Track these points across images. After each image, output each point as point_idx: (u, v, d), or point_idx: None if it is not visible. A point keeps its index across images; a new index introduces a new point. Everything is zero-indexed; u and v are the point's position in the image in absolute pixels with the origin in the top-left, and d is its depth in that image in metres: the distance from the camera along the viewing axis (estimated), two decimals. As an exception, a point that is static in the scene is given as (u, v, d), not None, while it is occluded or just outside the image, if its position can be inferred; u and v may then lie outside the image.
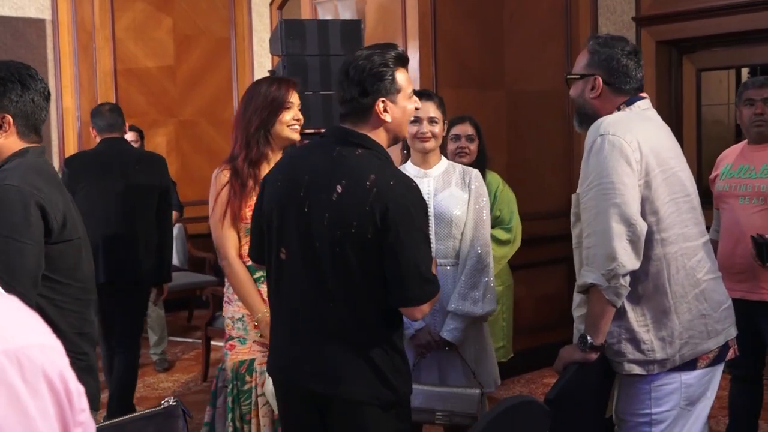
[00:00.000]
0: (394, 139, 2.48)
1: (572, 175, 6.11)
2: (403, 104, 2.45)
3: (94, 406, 2.61)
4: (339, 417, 2.40)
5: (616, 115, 2.63)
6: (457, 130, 4.24)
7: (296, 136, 3.19)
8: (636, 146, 2.49)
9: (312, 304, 2.37)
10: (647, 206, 2.51)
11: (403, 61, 2.46)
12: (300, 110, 3.20)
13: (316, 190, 2.35)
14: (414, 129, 3.44)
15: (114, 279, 4.58)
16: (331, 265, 2.32)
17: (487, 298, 3.43)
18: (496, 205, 4.30)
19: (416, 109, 2.52)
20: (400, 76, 2.44)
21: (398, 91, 2.43)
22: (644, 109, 2.70)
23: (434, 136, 3.44)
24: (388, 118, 2.41)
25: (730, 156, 4.02)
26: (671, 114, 5.85)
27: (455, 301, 3.38)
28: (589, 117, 2.71)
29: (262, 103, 3.12)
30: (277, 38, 4.83)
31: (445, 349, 3.40)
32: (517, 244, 4.37)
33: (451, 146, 4.22)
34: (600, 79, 2.68)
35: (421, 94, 3.48)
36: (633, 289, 2.53)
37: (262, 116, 3.11)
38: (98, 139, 4.80)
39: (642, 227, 2.45)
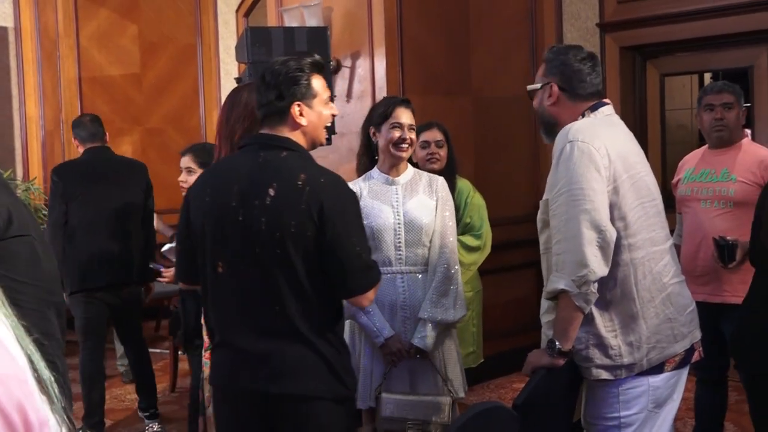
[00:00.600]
0: (312, 144, 2.55)
1: (539, 180, 6.16)
2: (319, 109, 2.53)
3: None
4: (292, 416, 2.43)
5: (583, 121, 2.66)
6: (425, 136, 4.24)
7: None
8: (604, 152, 2.52)
9: (257, 310, 2.41)
10: (615, 212, 2.53)
11: (319, 67, 2.54)
12: None
13: (248, 197, 2.39)
14: (395, 134, 3.44)
15: (114, 281, 4.90)
16: (274, 269, 2.36)
17: (458, 304, 3.45)
18: (467, 211, 4.30)
19: (333, 115, 2.60)
20: (316, 82, 2.52)
21: (314, 96, 2.51)
22: (608, 114, 2.74)
23: (412, 143, 3.46)
24: (303, 121, 2.49)
25: (691, 160, 4.08)
26: (636, 119, 5.92)
27: (427, 309, 3.39)
28: (551, 125, 2.74)
29: (244, 111, 3.09)
30: (243, 45, 4.83)
31: (416, 357, 3.41)
32: (487, 250, 4.39)
33: (421, 153, 4.22)
34: (555, 86, 2.71)
35: (401, 101, 3.50)
36: (601, 295, 2.56)
37: (245, 125, 3.08)
38: (81, 149, 5.04)
39: (612, 234, 2.48)
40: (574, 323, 2.52)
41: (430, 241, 3.44)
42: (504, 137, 5.99)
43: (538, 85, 2.77)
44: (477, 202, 4.38)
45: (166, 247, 3.87)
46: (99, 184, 4.91)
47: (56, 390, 1.00)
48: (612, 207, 2.52)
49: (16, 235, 2.52)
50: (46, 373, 0.99)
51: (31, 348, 0.99)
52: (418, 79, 5.50)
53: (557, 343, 2.53)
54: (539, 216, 2.71)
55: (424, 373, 3.46)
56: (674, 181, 4.13)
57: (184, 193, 3.76)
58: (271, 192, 2.36)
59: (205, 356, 3.23)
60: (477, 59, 5.85)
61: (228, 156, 2.73)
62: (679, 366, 2.68)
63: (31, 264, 2.56)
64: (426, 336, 3.39)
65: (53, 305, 2.66)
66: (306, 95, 2.49)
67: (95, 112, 6.66)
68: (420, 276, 3.45)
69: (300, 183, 2.36)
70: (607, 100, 2.77)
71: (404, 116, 3.44)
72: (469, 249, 4.26)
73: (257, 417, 2.47)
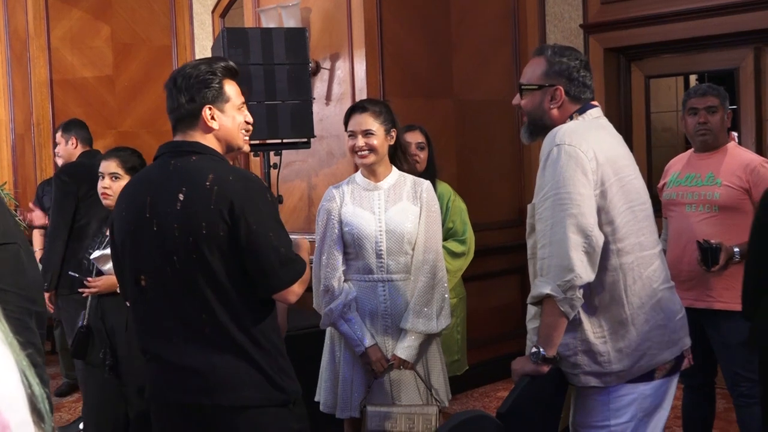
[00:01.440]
0: (228, 148, 2.56)
1: (522, 183, 6.18)
2: (232, 114, 2.54)
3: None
4: (229, 426, 2.42)
5: (571, 124, 2.66)
6: (407, 138, 4.24)
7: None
8: (592, 156, 2.52)
9: (184, 319, 2.40)
10: (603, 216, 2.54)
11: (232, 72, 2.56)
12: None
13: (160, 205, 2.41)
14: (350, 143, 3.44)
15: None
16: (195, 274, 2.36)
17: (443, 313, 3.44)
18: (449, 216, 4.31)
19: (246, 122, 2.59)
20: (229, 87, 2.53)
21: (226, 100, 2.52)
22: (596, 117, 2.74)
23: (372, 149, 3.42)
24: (215, 125, 2.49)
25: (677, 164, 4.10)
26: (621, 121, 5.95)
27: (409, 319, 3.39)
28: (545, 128, 2.72)
29: None
30: (220, 47, 4.82)
31: (399, 368, 3.41)
32: (471, 255, 4.40)
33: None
34: (562, 90, 2.70)
35: (354, 108, 3.48)
36: (589, 301, 2.56)
37: None
38: (77, 149, 5.39)
39: (598, 239, 2.48)
40: (559, 329, 2.52)
41: (413, 249, 3.44)
42: (486, 141, 6.01)
43: (536, 86, 2.74)
44: (458, 205, 4.39)
45: (96, 254, 3.76)
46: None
47: (47, 406, 0.98)
48: (600, 211, 2.53)
49: (2, 243, 2.52)
50: (38, 390, 0.97)
51: (25, 363, 0.97)
52: (398, 81, 5.51)
53: (541, 349, 2.53)
54: (528, 220, 2.71)
55: (408, 383, 3.45)
56: (660, 184, 4.15)
57: (105, 202, 3.73)
58: (181, 197, 2.38)
59: None
60: (459, 61, 5.87)
61: (143, 169, 2.75)
62: (670, 373, 2.68)
63: (15, 272, 2.56)
64: (409, 347, 3.39)
65: (35, 314, 2.66)
66: (218, 99, 2.50)
67: (67, 115, 6.65)
68: (401, 284, 3.44)
69: (208, 184, 2.36)
70: (595, 102, 2.77)
71: (356, 123, 3.42)
72: (454, 255, 4.27)
73: (194, 429, 2.47)
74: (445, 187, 4.41)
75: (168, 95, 2.52)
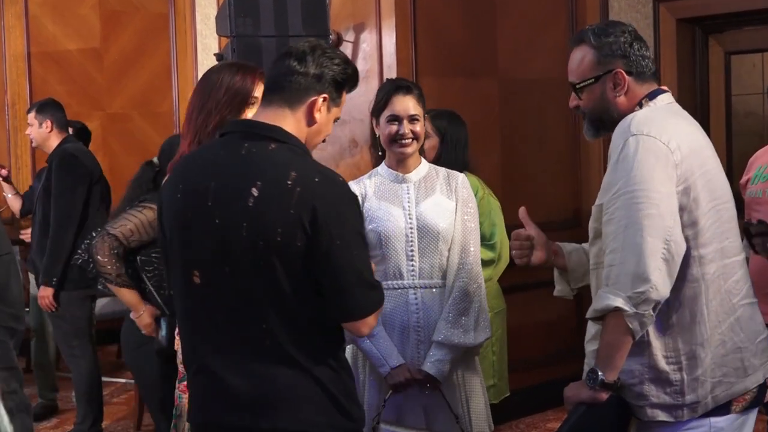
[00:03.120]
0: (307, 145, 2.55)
1: (579, 177, 6.16)
2: (330, 121, 2.55)
3: None
4: None
5: (645, 111, 2.65)
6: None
7: None
8: (675, 146, 2.51)
9: (241, 329, 2.39)
10: (685, 217, 2.51)
11: (354, 82, 2.59)
12: None
13: (226, 196, 2.38)
14: (392, 129, 3.45)
15: None
16: (257, 282, 2.35)
17: (481, 325, 3.45)
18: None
19: (323, 140, 2.60)
20: (344, 96, 2.57)
21: (337, 105, 2.54)
22: (668, 103, 2.72)
23: (416, 137, 3.46)
24: (318, 117, 2.49)
25: (764, 156, 4.07)
26: (696, 106, 5.92)
27: (443, 330, 3.39)
28: (612, 121, 2.70)
29: (225, 96, 3.11)
30: (226, 16, 4.85)
31: (427, 387, 3.41)
32: (505, 262, 4.36)
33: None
34: (622, 71, 2.68)
35: (398, 87, 3.50)
36: (663, 319, 2.53)
37: (223, 113, 3.10)
38: (51, 134, 5.61)
39: (679, 246, 2.46)
40: (623, 349, 2.49)
41: (449, 250, 3.45)
42: (536, 127, 6.00)
43: (591, 79, 2.71)
44: (488, 204, 4.35)
45: None
46: (102, 175, 5.61)
47: None
48: (681, 211, 2.50)
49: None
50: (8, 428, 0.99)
51: None
52: (433, 57, 5.51)
53: (600, 372, 2.50)
54: (591, 224, 2.69)
55: (442, 408, 3.45)
56: (743, 180, 4.12)
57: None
58: (254, 192, 2.34)
59: (179, 388, 3.24)
60: (504, 34, 5.86)
61: (204, 146, 2.72)
62: (750, 406, 2.65)
63: (4, 287, 2.60)
64: (440, 361, 3.39)
65: (15, 334, 2.71)
66: (333, 96, 2.51)
67: (47, 94, 6.70)
68: (436, 291, 3.45)
69: (289, 183, 2.32)
70: (664, 87, 2.75)
71: (401, 106, 3.44)
72: (482, 263, 4.23)
73: None
74: (472, 180, 4.37)
75: (286, 56, 2.50)
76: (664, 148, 2.49)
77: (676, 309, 2.55)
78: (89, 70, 8.13)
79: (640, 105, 2.69)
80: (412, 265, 3.43)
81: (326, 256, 2.32)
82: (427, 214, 3.43)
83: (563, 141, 6.16)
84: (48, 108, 5.65)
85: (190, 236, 2.44)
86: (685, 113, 2.76)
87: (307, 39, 2.54)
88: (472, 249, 3.48)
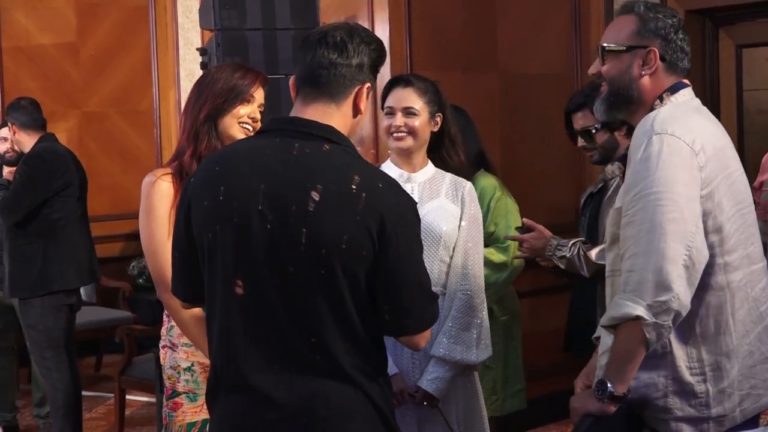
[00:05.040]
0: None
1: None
2: (366, 105, 2.52)
3: None
4: None
5: (668, 109, 2.63)
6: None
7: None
8: (699, 147, 2.50)
9: (290, 342, 2.33)
10: (710, 222, 2.51)
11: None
12: (261, 112, 3.23)
13: (281, 199, 2.32)
14: (385, 122, 3.48)
15: (87, 282, 5.86)
16: (314, 292, 2.30)
17: (483, 342, 3.45)
18: (490, 218, 4.27)
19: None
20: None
21: (375, 88, 2.54)
22: (689, 99, 2.72)
23: (412, 132, 3.45)
24: (362, 107, 2.47)
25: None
26: (705, 102, 5.86)
27: (443, 345, 3.39)
28: (628, 102, 2.70)
29: (220, 88, 3.14)
30: (209, 8, 4.84)
31: (423, 405, 3.40)
32: (517, 269, 4.37)
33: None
34: (656, 52, 2.67)
35: (395, 81, 3.52)
36: (686, 328, 2.53)
37: (215, 103, 3.13)
38: (18, 135, 5.53)
39: (700, 253, 2.46)
40: (635, 361, 2.49)
41: (451, 257, 3.45)
42: (539, 124, 6.00)
43: (624, 47, 2.70)
44: (504, 205, 4.35)
45: None
46: (79, 174, 5.61)
47: None
48: (706, 217, 2.50)
49: None
50: None
51: None
52: (429, 51, 5.52)
53: (609, 384, 2.50)
54: (608, 228, 2.69)
55: (435, 425, 3.45)
56: (756, 182, 4.14)
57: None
58: (315, 195, 2.28)
59: (168, 405, 3.23)
60: (505, 26, 5.87)
61: (243, 143, 2.65)
62: None
63: None
64: (438, 378, 3.39)
65: None
66: (373, 82, 2.50)
67: (19, 92, 6.69)
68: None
69: (354, 187, 2.29)
70: (686, 81, 2.74)
71: (396, 97, 3.46)
72: (494, 267, 4.23)
73: None
74: (489, 181, 4.36)
75: (321, 44, 2.42)
76: (689, 149, 2.49)
77: (700, 319, 2.54)
78: (64, 66, 8.12)
79: (661, 99, 2.68)
80: (411, 270, 3.43)
81: (393, 269, 2.31)
82: (430, 216, 3.43)
83: (566, 138, 6.14)
84: (9, 112, 5.62)
85: (235, 242, 2.36)
86: (707, 111, 2.76)
87: (337, 24, 2.49)
88: (475, 260, 3.48)
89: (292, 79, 2.50)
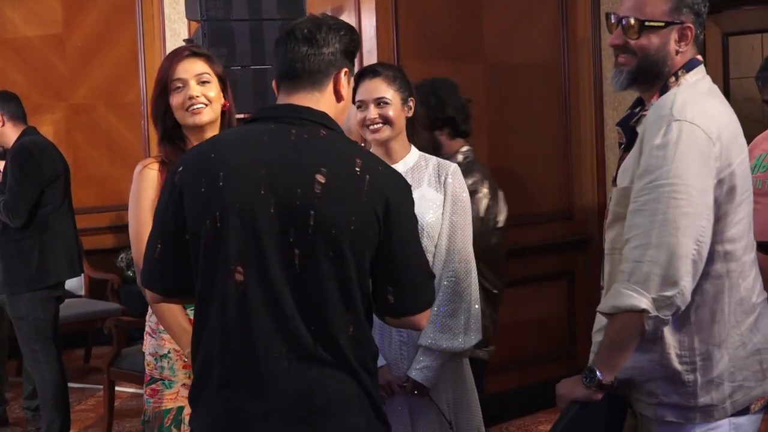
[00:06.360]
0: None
1: (569, 167, 6.17)
2: (351, 91, 2.56)
3: None
4: None
5: (685, 93, 2.60)
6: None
7: (200, 119, 3.18)
8: (716, 135, 2.49)
9: (292, 331, 2.32)
10: (715, 209, 2.50)
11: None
12: (208, 84, 3.20)
13: (285, 183, 2.32)
14: (359, 116, 3.45)
15: (74, 275, 5.81)
16: (321, 274, 2.31)
17: (471, 327, 3.43)
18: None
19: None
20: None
21: (353, 74, 2.56)
22: (701, 77, 2.69)
23: (387, 121, 3.42)
24: (344, 92, 2.49)
25: (763, 143, 4.09)
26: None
27: (430, 333, 3.37)
28: (655, 78, 2.65)
29: (156, 87, 3.20)
30: (195, 0, 4.85)
31: (414, 394, 3.41)
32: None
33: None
34: (693, 29, 2.63)
35: (362, 74, 3.47)
36: (682, 315, 2.51)
37: (157, 103, 3.21)
38: (5, 128, 5.54)
39: (708, 246, 2.46)
40: (628, 351, 2.49)
41: (435, 246, 3.46)
42: (526, 114, 6.01)
43: (663, 23, 2.63)
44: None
45: None
46: (63, 165, 5.66)
47: None
48: (714, 204, 2.49)
49: None
50: None
51: None
52: (416, 40, 5.52)
53: (597, 371, 2.51)
54: (611, 207, 2.68)
55: (426, 412, 3.45)
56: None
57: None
58: (320, 178, 2.30)
59: (146, 392, 3.24)
60: (492, 16, 5.86)
61: (237, 131, 2.65)
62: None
63: None
64: (427, 367, 3.38)
65: None
66: (350, 67, 2.52)
67: (5, 85, 6.67)
68: (421, 290, 3.45)
69: (358, 170, 2.34)
70: (699, 57, 2.71)
71: (365, 89, 3.43)
72: None
73: None
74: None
75: (291, 40, 2.45)
76: (706, 138, 2.47)
77: (696, 306, 2.53)
78: (51, 58, 8.10)
79: (676, 76, 2.64)
80: (395, 261, 3.42)
81: (396, 250, 2.38)
82: (413, 208, 3.42)
83: (554, 129, 6.18)
84: (3, 102, 5.61)
85: (236, 228, 2.34)
86: (718, 91, 2.73)
87: (303, 18, 2.53)
88: (460, 246, 3.46)
89: (274, 82, 2.53)
